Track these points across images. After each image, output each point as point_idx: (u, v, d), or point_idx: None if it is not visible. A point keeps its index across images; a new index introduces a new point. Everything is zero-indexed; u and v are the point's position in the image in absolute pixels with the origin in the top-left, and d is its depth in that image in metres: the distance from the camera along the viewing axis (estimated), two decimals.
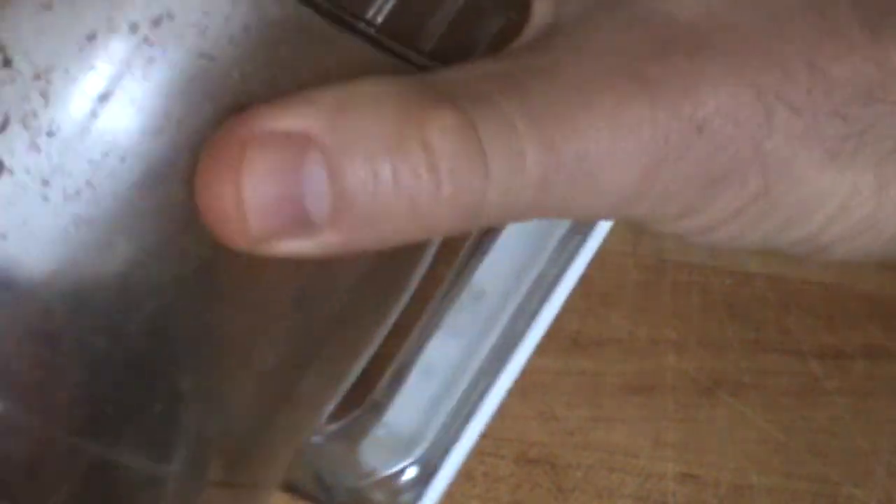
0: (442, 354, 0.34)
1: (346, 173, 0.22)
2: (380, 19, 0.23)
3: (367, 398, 0.31)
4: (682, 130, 0.23)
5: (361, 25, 0.23)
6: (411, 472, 0.34)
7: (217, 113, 0.22)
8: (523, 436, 0.46)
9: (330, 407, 0.28)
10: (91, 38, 0.22)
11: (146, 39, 0.22)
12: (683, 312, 0.47)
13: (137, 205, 0.22)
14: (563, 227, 0.34)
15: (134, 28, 0.22)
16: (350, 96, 0.22)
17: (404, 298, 0.27)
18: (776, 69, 0.23)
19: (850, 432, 0.47)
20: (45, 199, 0.22)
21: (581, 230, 0.34)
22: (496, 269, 0.33)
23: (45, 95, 0.22)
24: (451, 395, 0.34)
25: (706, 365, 0.47)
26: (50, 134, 0.22)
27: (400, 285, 0.27)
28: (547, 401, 0.46)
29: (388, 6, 0.23)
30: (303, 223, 0.22)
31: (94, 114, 0.22)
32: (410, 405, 0.33)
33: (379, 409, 0.33)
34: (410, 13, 0.23)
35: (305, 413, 0.27)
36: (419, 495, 0.33)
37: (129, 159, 0.22)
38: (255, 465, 0.26)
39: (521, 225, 0.28)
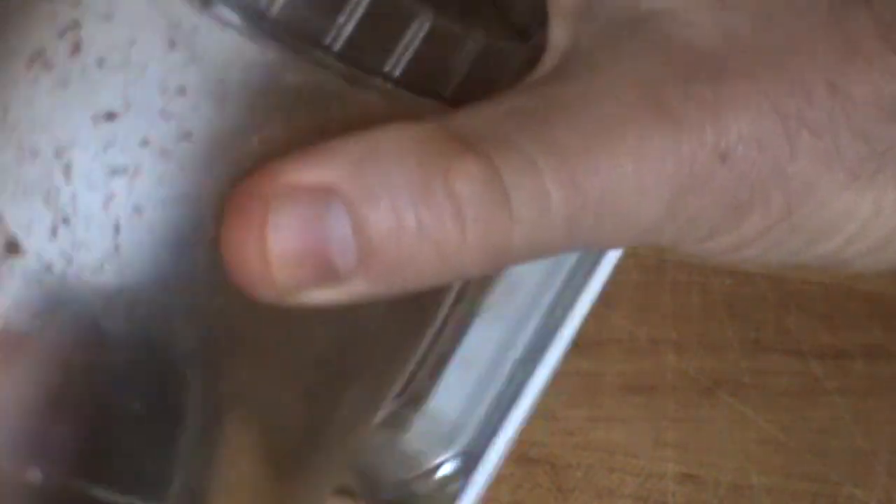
0: (480, 344, 0.33)
1: (371, 223, 0.22)
2: (398, 72, 0.23)
3: (407, 389, 0.31)
4: (706, 159, 0.23)
5: (378, 81, 0.23)
6: (454, 463, 0.34)
7: (238, 178, 0.22)
8: (523, 436, 0.45)
9: (373, 419, 0.28)
10: (108, 114, 0.22)
11: (162, 113, 0.22)
12: (683, 312, 0.47)
13: (162, 275, 0.23)
14: None
15: (150, 103, 0.22)
16: (372, 146, 0.22)
17: (440, 313, 0.27)
18: (798, 92, 0.23)
19: (850, 432, 0.47)
20: (69, 274, 0.22)
21: None
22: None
23: (66, 172, 0.22)
24: (490, 385, 0.34)
25: (706, 365, 0.47)
26: (73, 210, 0.22)
27: (438, 298, 0.27)
28: (547, 401, 0.46)
29: (405, 58, 0.23)
30: (329, 273, 0.22)
31: (115, 188, 0.22)
32: (451, 395, 0.33)
33: (419, 400, 0.33)
34: (428, 62, 0.23)
35: (345, 435, 0.27)
36: (463, 485, 0.33)
37: (153, 231, 0.22)
38: (299, 486, 0.26)
39: None
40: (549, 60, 0.25)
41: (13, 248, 0.22)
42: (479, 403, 0.34)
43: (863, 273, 0.24)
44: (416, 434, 0.33)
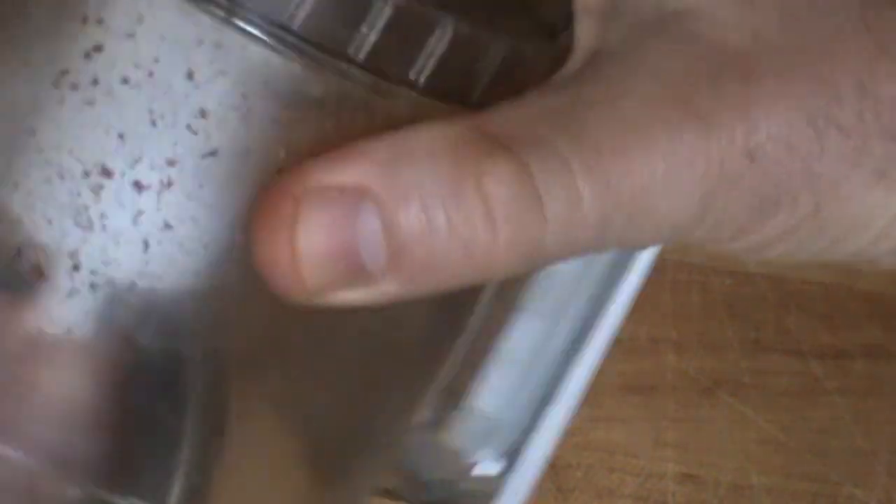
0: (520, 340, 0.33)
1: (401, 224, 0.22)
2: (422, 80, 0.23)
3: (446, 388, 0.31)
4: (735, 159, 0.23)
5: (404, 90, 0.23)
6: (496, 461, 0.33)
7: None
8: None
9: (412, 420, 0.28)
10: (134, 132, 0.22)
11: (188, 128, 0.22)
12: (683, 312, 0.47)
13: (193, 289, 0.23)
14: None
15: (175, 118, 0.22)
16: (403, 146, 0.22)
17: (477, 309, 0.27)
18: (827, 92, 0.23)
19: (850, 432, 0.47)
20: (96, 291, 0.22)
21: None
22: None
23: (94, 191, 0.22)
24: (532, 380, 0.34)
25: (706, 365, 0.47)
26: (103, 228, 0.22)
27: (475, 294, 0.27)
28: None
29: (430, 66, 0.23)
30: (359, 274, 0.22)
31: (143, 205, 0.22)
32: (491, 392, 0.33)
33: (459, 398, 0.33)
34: (452, 69, 0.23)
35: (385, 437, 0.27)
36: (508, 482, 0.33)
37: (182, 245, 0.23)
38: (340, 490, 0.26)
39: None
40: (576, 59, 0.24)
41: (38, 272, 0.22)
42: (521, 399, 0.34)
43: (871, 272, 0.25)
44: (457, 432, 0.33)
